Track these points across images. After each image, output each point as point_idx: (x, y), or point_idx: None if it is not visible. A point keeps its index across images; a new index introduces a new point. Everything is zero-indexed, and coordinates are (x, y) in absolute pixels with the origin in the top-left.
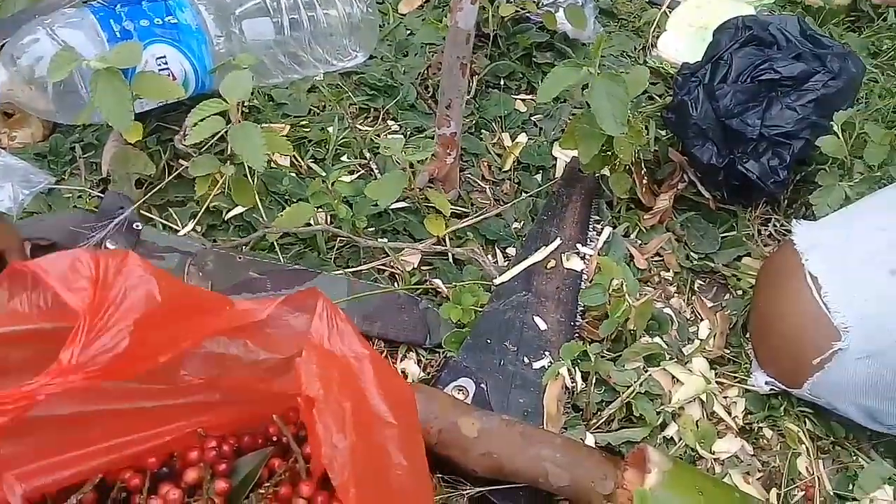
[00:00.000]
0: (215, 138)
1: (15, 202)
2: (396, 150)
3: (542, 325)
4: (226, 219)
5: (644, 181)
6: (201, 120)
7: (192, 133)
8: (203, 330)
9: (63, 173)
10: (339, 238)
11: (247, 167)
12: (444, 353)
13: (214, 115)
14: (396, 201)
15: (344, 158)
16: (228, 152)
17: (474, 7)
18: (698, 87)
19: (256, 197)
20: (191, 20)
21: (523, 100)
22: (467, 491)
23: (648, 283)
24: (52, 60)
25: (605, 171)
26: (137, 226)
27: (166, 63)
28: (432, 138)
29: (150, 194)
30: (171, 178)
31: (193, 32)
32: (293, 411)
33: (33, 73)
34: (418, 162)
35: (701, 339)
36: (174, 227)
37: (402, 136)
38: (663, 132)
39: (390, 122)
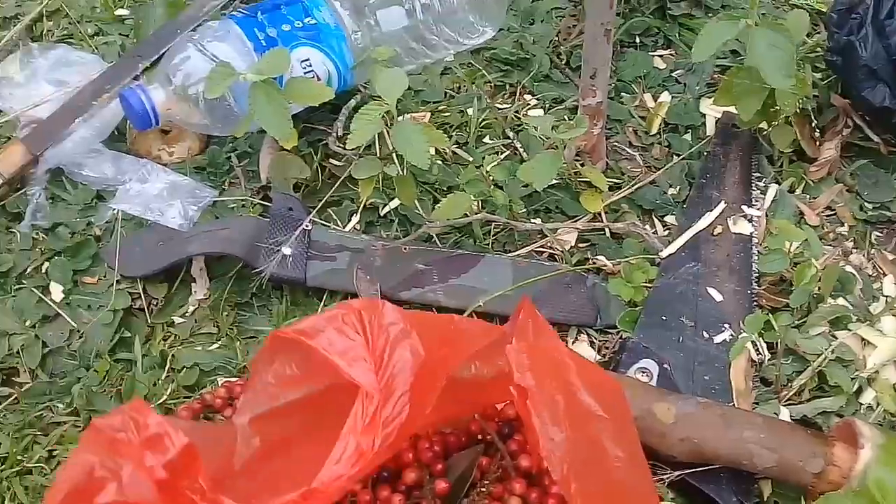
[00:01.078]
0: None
1: (185, 218)
2: (546, 129)
3: (718, 297)
4: (382, 214)
5: (806, 131)
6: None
7: (352, 137)
8: (450, 365)
9: (223, 184)
10: (493, 223)
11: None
12: (618, 333)
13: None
14: None
15: (487, 140)
16: (386, 151)
17: None
18: (865, 26)
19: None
20: (328, 19)
21: (661, 56)
22: (666, 475)
23: (823, 241)
24: (209, 77)
25: (763, 125)
26: (308, 226)
27: (311, 65)
28: (573, 109)
29: (307, 196)
30: (325, 178)
31: (332, 31)
32: (491, 408)
33: (187, 89)
34: (566, 138)
35: (887, 297)
36: (334, 226)
37: (542, 111)
38: (818, 75)
39: (527, 97)
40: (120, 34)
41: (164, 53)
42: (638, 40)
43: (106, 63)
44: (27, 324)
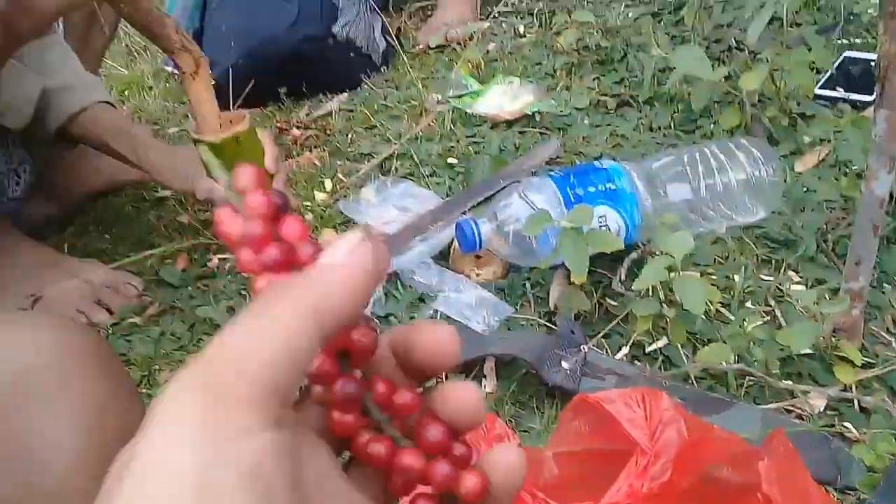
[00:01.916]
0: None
1: (487, 325)
2: (808, 302)
3: None
4: (646, 350)
5: None
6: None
7: (640, 280)
8: (706, 458)
9: (516, 304)
10: (746, 376)
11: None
12: (857, 495)
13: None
14: None
15: (749, 304)
16: (661, 297)
17: (890, 176)
18: None
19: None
20: (626, 185)
21: None
22: None
23: None
24: (529, 219)
25: None
26: (585, 349)
27: (606, 221)
28: (834, 291)
29: (584, 325)
30: (601, 313)
31: (627, 196)
32: None
33: (504, 226)
34: (826, 313)
35: None
36: (606, 354)
37: (804, 288)
38: None
39: (791, 273)
40: (450, 178)
41: (489, 196)
42: None
43: (439, 198)
44: None
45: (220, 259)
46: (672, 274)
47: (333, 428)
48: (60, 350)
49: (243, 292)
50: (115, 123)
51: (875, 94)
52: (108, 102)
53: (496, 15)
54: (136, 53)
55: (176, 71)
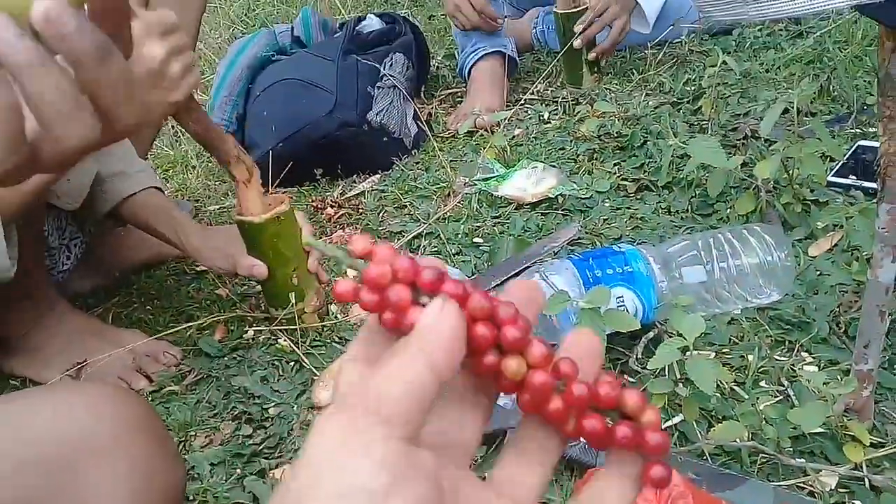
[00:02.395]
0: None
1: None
2: (818, 383)
3: None
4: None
5: None
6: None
7: (655, 360)
8: None
9: None
10: (760, 454)
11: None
12: None
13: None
14: None
15: (762, 384)
16: (675, 377)
17: (894, 265)
18: None
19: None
20: (643, 269)
21: None
22: None
23: None
24: (551, 298)
25: None
26: None
27: (623, 301)
28: (846, 372)
29: None
30: None
31: (644, 278)
32: None
33: None
34: (837, 394)
35: None
36: None
37: (816, 368)
38: None
39: (804, 354)
40: (475, 256)
41: (512, 276)
42: None
43: (465, 276)
44: None
45: (255, 331)
46: (686, 354)
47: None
48: (114, 416)
49: (276, 363)
50: (161, 208)
51: (878, 188)
52: (156, 188)
53: (522, 102)
54: (180, 134)
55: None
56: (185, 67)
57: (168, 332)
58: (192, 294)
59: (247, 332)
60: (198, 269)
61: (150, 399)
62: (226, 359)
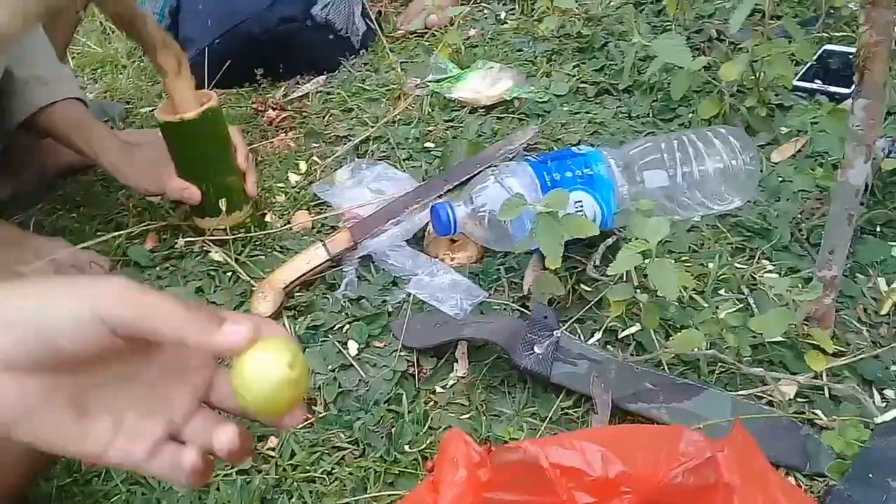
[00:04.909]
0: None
1: (460, 310)
2: (781, 289)
3: None
4: (619, 336)
5: None
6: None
7: (615, 265)
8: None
9: (490, 289)
10: (719, 363)
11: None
12: (825, 481)
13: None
14: None
15: (722, 292)
16: (636, 283)
17: (866, 166)
18: None
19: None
20: (603, 172)
21: None
22: None
23: None
24: (505, 204)
25: None
26: (557, 334)
27: (582, 206)
28: (807, 280)
29: (558, 310)
30: (574, 298)
31: (605, 182)
32: None
33: (479, 211)
34: (800, 301)
35: None
36: (578, 339)
37: (777, 276)
38: None
39: (765, 262)
40: (426, 162)
41: (465, 181)
42: (878, 229)
43: (415, 182)
44: (328, 368)
45: (187, 241)
46: (646, 260)
47: None
48: None
49: (211, 273)
50: (81, 121)
51: (854, 83)
52: (78, 99)
53: (478, 0)
54: (110, 31)
55: None
56: None
57: (95, 241)
58: (122, 201)
59: (178, 242)
60: None
61: None
62: (157, 269)
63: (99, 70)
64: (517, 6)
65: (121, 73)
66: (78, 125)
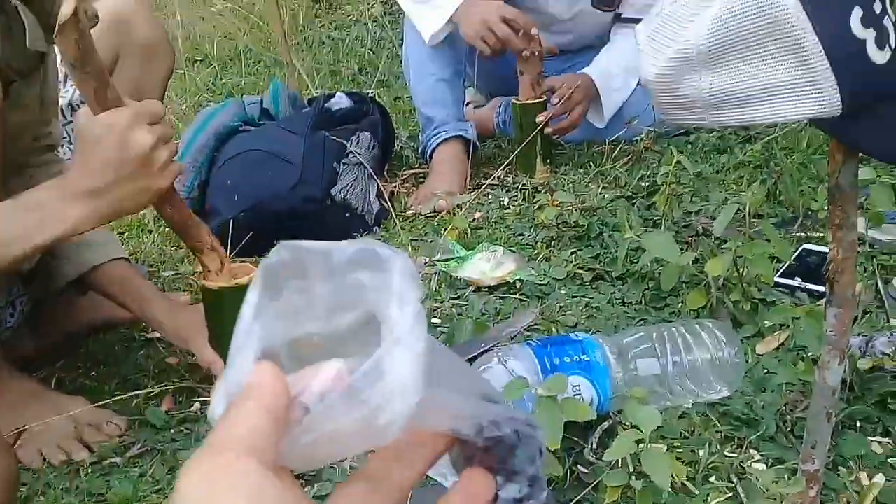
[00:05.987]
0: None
1: None
2: (767, 482)
3: None
4: None
5: None
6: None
7: (611, 452)
8: None
9: None
10: None
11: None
12: None
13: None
14: None
15: (712, 480)
16: (633, 467)
17: (840, 367)
18: None
19: None
20: (599, 358)
21: (879, 442)
22: None
23: None
24: (507, 385)
25: None
26: None
27: (580, 391)
28: (793, 471)
29: (555, 491)
30: (572, 480)
31: (600, 368)
32: None
33: None
34: (785, 493)
35: None
36: None
37: (764, 466)
38: None
39: (752, 451)
40: (434, 337)
41: (470, 359)
42: (858, 424)
43: None
44: None
45: (202, 403)
46: (641, 447)
47: None
48: None
49: None
50: (128, 280)
51: (826, 292)
52: (123, 258)
53: (483, 187)
54: None
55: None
56: (170, 155)
57: (113, 399)
58: (141, 361)
59: (194, 404)
60: (148, 335)
61: (90, 471)
62: (172, 431)
63: (126, 234)
64: (519, 194)
65: (146, 237)
66: (125, 281)
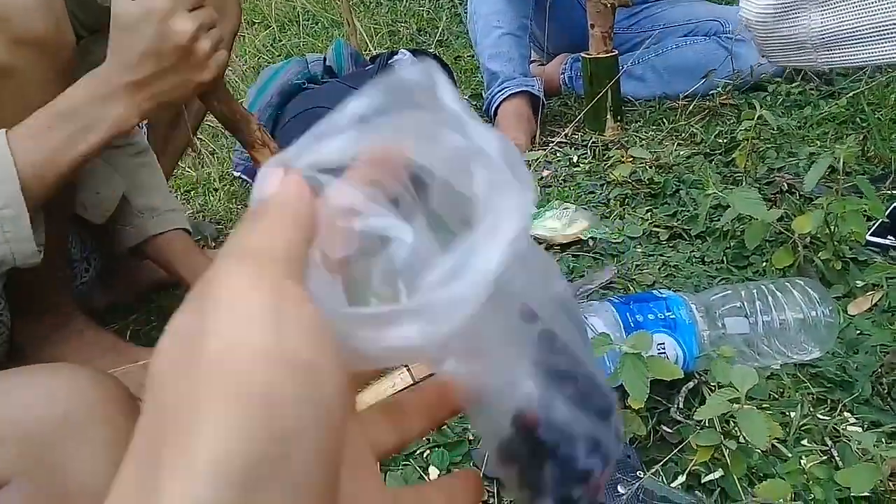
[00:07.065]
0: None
1: None
2: (868, 445)
3: None
4: (702, 481)
5: None
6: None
7: (703, 410)
8: None
9: None
10: None
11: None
12: None
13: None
14: None
15: (805, 442)
16: (721, 429)
17: None
18: None
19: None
20: (685, 316)
21: None
22: None
23: None
24: (592, 341)
25: None
26: (640, 474)
27: (664, 349)
28: (890, 434)
29: (638, 450)
30: (655, 439)
31: (686, 326)
32: None
33: None
34: (886, 456)
35: None
36: (661, 482)
37: (860, 429)
38: None
39: (846, 414)
40: None
41: None
42: None
43: None
44: None
45: None
46: (735, 406)
47: None
48: (92, 396)
49: None
50: (185, 252)
51: None
52: (184, 229)
53: (551, 146)
54: (203, 155)
55: (244, 176)
56: (214, 45)
57: None
58: None
59: None
60: None
61: None
62: None
63: (192, 192)
64: (589, 152)
65: (213, 196)
66: (181, 254)
